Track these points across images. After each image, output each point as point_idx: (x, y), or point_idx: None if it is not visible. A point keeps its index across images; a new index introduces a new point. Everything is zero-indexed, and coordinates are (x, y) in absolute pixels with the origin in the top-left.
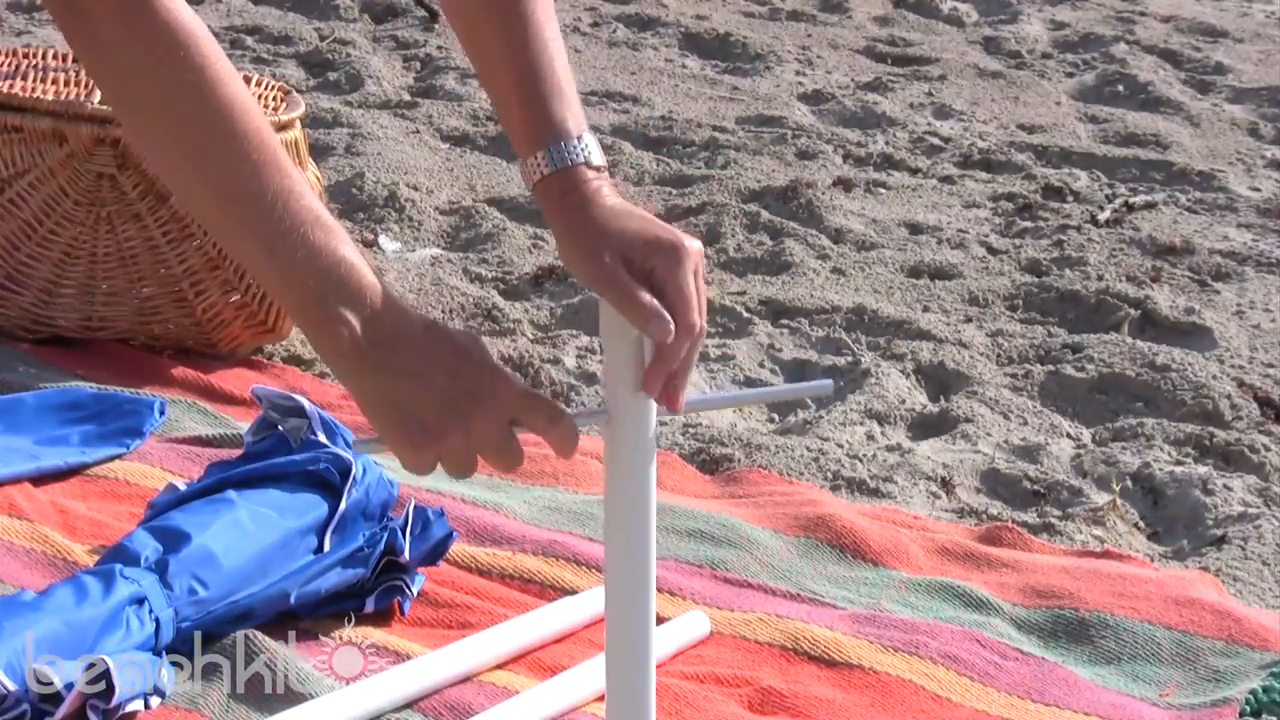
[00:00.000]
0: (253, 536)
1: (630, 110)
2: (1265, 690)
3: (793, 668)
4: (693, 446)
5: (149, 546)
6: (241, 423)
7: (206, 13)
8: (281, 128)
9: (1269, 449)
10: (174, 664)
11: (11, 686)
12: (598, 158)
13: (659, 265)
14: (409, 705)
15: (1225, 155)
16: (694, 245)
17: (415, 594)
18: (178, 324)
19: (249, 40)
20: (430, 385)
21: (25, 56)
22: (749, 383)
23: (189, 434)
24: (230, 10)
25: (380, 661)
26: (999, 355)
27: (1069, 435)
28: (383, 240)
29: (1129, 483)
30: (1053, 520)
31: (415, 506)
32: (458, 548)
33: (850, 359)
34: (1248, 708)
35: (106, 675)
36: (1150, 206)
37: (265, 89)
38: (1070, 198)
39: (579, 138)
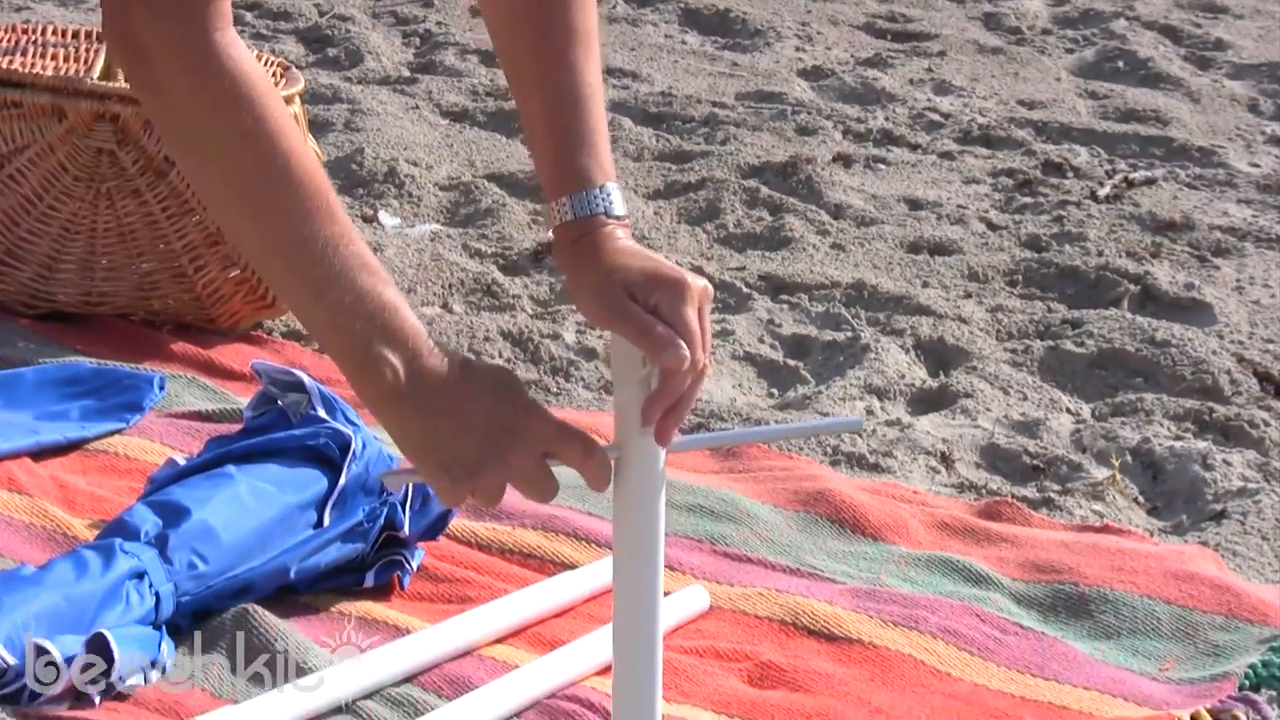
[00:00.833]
0: (252, 511)
1: (630, 86)
2: (1264, 665)
3: (792, 642)
4: (693, 421)
5: (149, 521)
6: (241, 398)
7: None
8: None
9: (1268, 424)
10: (173, 638)
11: (11, 660)
12: (619, 208)
13: (663, 301)
14: (409, 679)
15: (1225, 131)
16: (698, 282)
17: (415, 569)
18: (177, 299)
19: (249, 16)
20: (470, 425)
21: (25, 32)
22: (747, 358)
23: (189, 409)
24: None
25: (380, 636)
26: (999, 330)
27: (1069, 410)
28: (382, 216)
29: (1128, 458)
30: (1052, 495)
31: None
32: (457, 523)
33: (850, 334)
34: (1247, 682)
35: (106, 649)
36: (1150, 182)
37: (265, 65)
38: (1070, 173)
39: (601, 187)
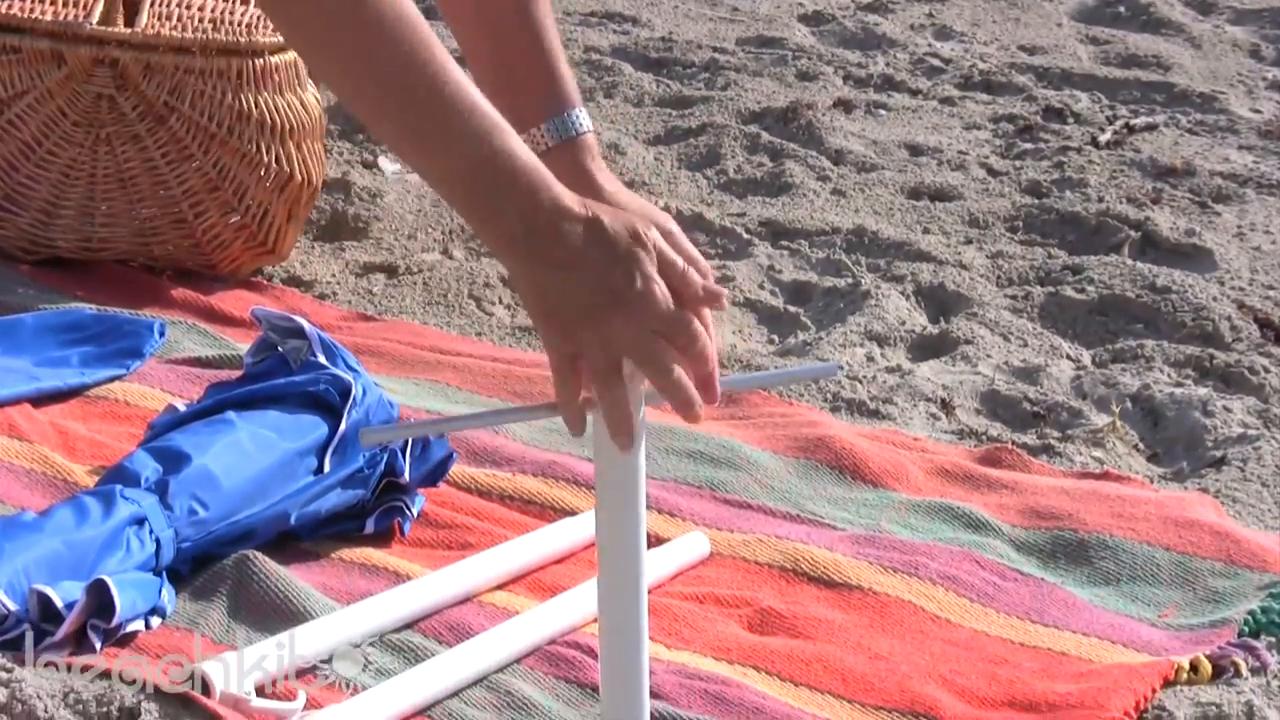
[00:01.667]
0: (252, 457)
1: (630, 31)
2: (1264, 611)
3: (792, 588)
4: None
5: (149, 467)
6: (241, 344)
7: None
8: (282, 48)
9: (1269, 370)
10: (174, 584)
11: (12, 606)
12: (588, 123)
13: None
14: (409, 625)
15: (1226, 77)
16: (659, 218)
17: (415, 515)
18: (177, 245)
19: None
20: (578, 282)
21: None
22: (747, 304)
23: (189, 355)
24: None
25: (380, 582)
26: (999, 277)
27: (1069, 357)
28: (382, 161)
29: (1129, 404)
30: (1052, 441)
31: None
32: (457, 469)
33: (850, 280)
34: (1246, 628)
35: (107, 595)
36: (1151, 128)
37: None
38: (1071, 119)
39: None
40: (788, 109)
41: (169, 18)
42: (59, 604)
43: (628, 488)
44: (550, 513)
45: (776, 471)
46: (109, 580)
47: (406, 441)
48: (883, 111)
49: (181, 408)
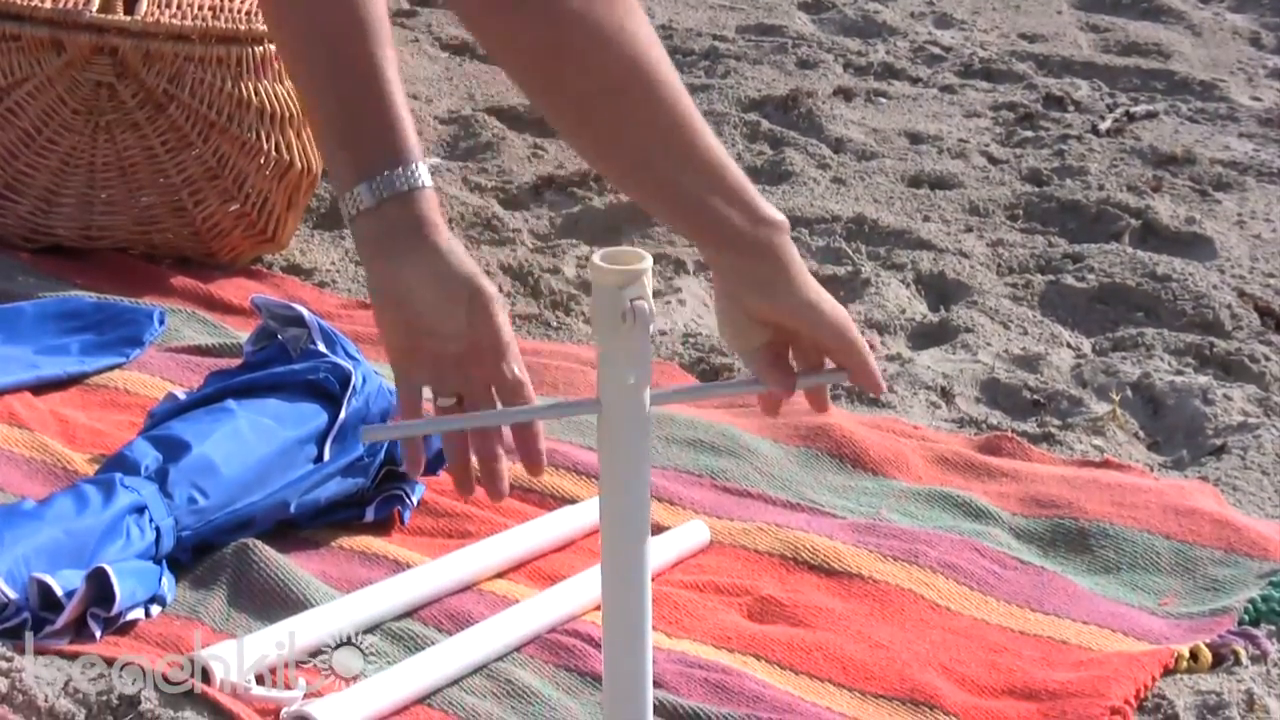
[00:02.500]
0: (252, 446)
1: None
2: (1264, 599)
3: (792, 577)
4: (693, 356)
5: (149, 456)
6: (241, 332)
7: None
8: None
9: (1269, 359)
10: (174, 573)
11: (13, 594)
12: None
13: None
14: (409, 614)
15: (1227, 65)
16: None
17: (415, 503)
18: (177, 233)
19: None
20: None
21: None
22: None
23: (188, 343)
24: None
25: (380, 570)
26: (999, 265)
27: (1069, 345)
28: None
29: (1129, 392)
30: (1052, 430)
31: None
32: None
33: (850, 268)
34: (1246, 617)
35: (107, 583)
36: (1151, 116)
37: None
38: (1071, 107)
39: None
40: (788, 97)
41: (168, 5)
42: (59, 592)
43: (633, 477)
44: (550, 501)
45: (776, 459)
46: (109, 569)
47: None
48: (883, 99)
49: (181, 396)
